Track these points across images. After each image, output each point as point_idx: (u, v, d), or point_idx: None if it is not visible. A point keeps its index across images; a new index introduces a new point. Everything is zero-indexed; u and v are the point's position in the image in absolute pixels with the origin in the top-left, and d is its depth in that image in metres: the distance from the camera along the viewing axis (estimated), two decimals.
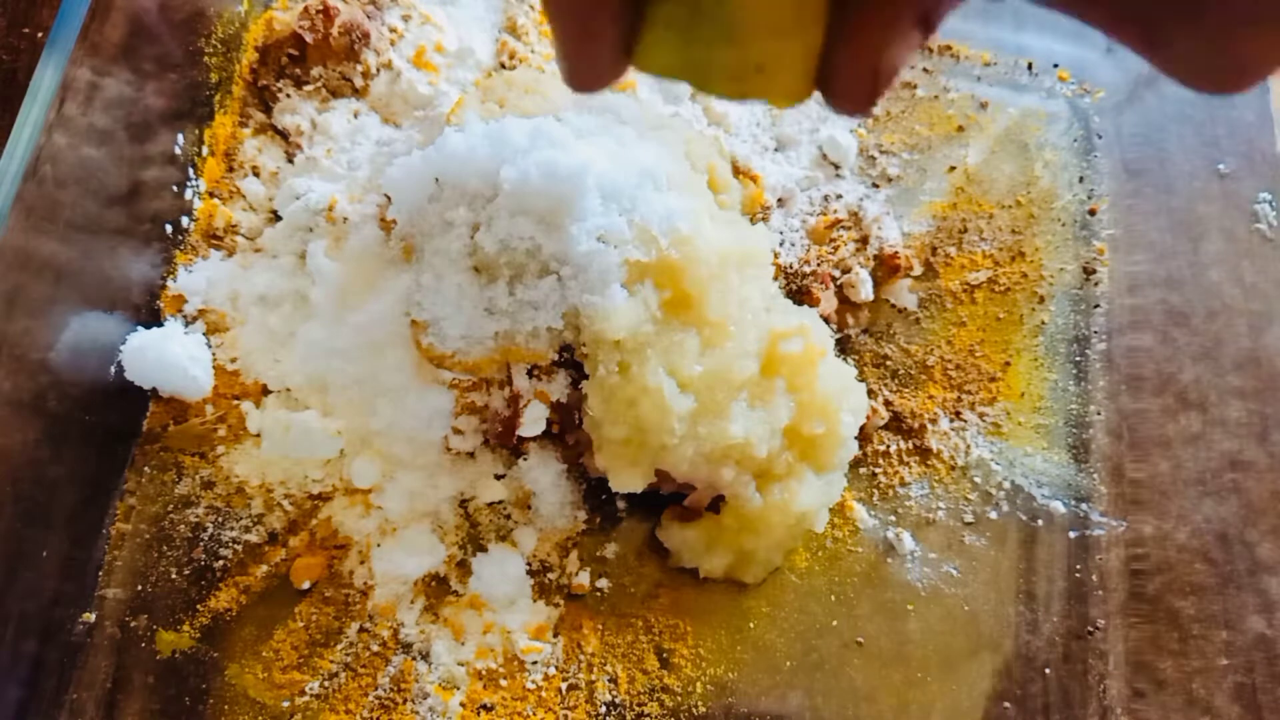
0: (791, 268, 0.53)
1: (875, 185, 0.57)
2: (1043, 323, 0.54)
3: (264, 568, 0.49)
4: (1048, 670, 0.48)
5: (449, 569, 0.49)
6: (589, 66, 0.22)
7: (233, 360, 0.52)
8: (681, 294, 0.44)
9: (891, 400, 0.52)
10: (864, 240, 0.55)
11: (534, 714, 0.47)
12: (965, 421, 0.52)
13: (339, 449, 0.50)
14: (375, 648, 0.48)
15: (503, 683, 0.47)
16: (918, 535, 0.50)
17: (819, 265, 0.53)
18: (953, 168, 0.57)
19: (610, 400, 0.44)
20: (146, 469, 0.51)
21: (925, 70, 0.59)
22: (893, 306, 0.54)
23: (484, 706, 0.47)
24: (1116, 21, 0.21)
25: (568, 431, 0.49)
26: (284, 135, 0.56)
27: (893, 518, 0.50)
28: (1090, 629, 0.48)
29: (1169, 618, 0.48)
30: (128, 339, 0.50)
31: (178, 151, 0.53)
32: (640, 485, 0.46)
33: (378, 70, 0.56)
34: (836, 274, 0.54)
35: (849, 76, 0.22)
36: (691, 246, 0.44)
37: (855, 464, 0.51)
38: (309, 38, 0.55)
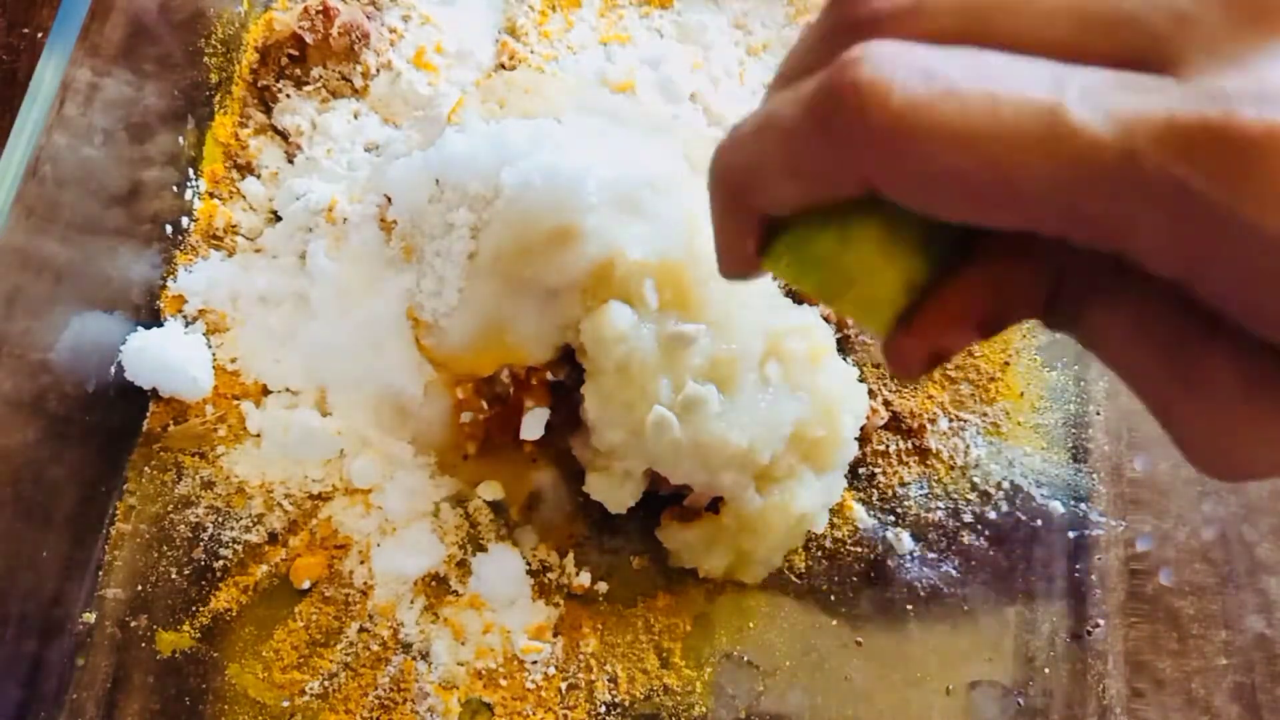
0: None
1: None
2: None
3: (264, 568, 0.49)
4: (1047, 670, 0.48)
5: (449, 569, 0.49)
6: (732, 265, 0.25)
7: (233, 360, 0.52)
8: (682, 295, 0.44)
9: (891, 400, 0.52)
10: None
11: (534, 714, 0.47)
12: (964, 421, 0.52)
13: (339, 449, 0.50)
14: (375, 647, 0.48)
15: (503, 682, 0.47)
16: (917, 535, 0.50)
17: None
18: None
19: (608, 403, 0.44)
20: (146, 469, 0.51)
21: None
22: None
23: (484, 706, 0.47)
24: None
25: (568, 432, 0.49)
26: (284, 135, 0.56)
27: (892, 518, 0.50)
28: (1089, 628, 0.48)
29: (1168, 617, 0.48)
30: (128, 339, 0.50)
31: (180, 145, 0.53)
32: (630, 501, 0.47)
33: (378, 70, 0.56)
34: None
35: (902, 356, 0.23)
36: (692, 247, 0.44)
37: (854, 464, 0.51)
38: (309, 38, 0.55)
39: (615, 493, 0.46)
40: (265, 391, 0.52)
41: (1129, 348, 0.20)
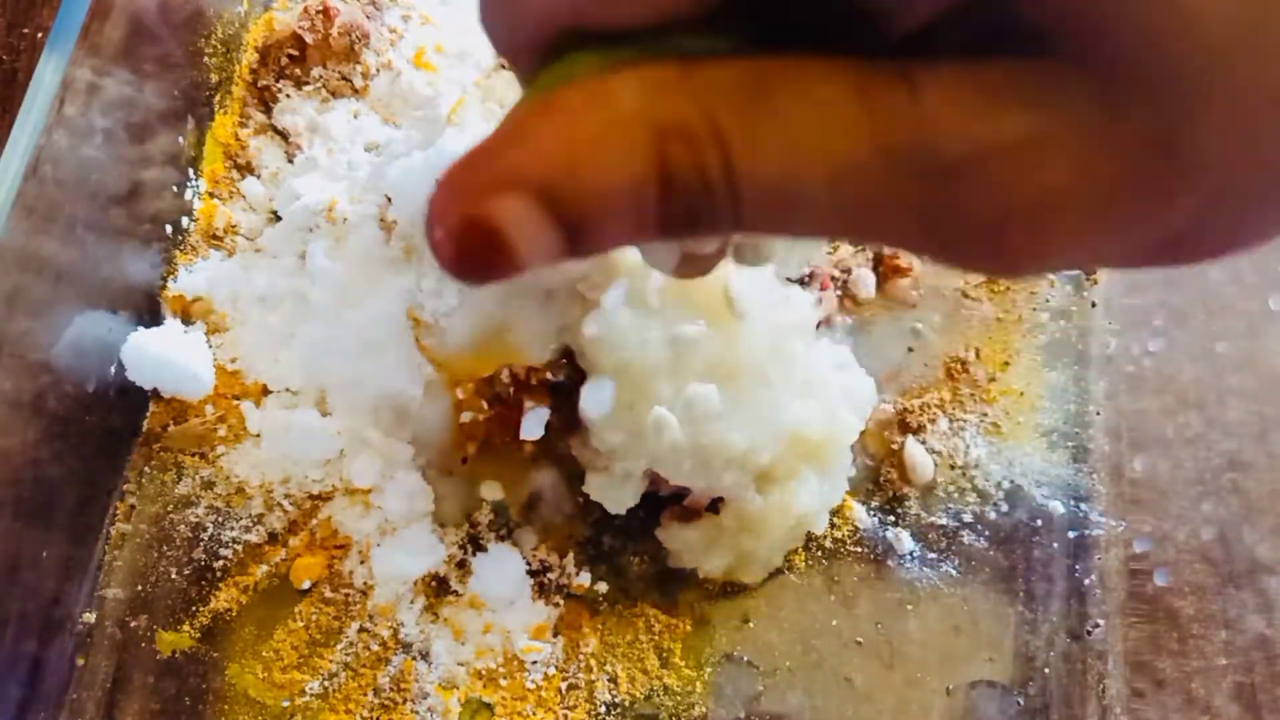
0: None
1: None
2: (1042, 322, 0.54)
3: (264, 568, 0.49)
4: (1047, 670, 0.48)
5: (449, 569, 0.49)
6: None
7: (233, 360, 0.52)
8: (683, 294, 0.44)
9: (892, 400, 0.52)
10: None
11: (534, 714, 0.47)
12: (964, 421, 0.52)
13: (339, 449, 0.50)
14: (375, 647, 0.48)
15: (503, 682, 0.47)
16: (917, 535, 0.50)
17: (818, 265, 0.53)
18: None
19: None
20: (146, 469, 0.51)
21: None
22: (893, 306, 0.54)
23: (484, 706, 0.47)
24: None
25: (568, 433, 0.49)
26: (284, 135, 0.56)
27: (892, 518, 0.50)
28: (1089, 628, 0.48)
29: (1168, 617, 0.48)
30: (128, 339, 0.50)
31: (180, 145, 0.53)
32: (630, 502, 0.47)
33: (378, 70, 0.56)
34: (836, 273, 0.54)
35: (438, 208, 0.17)
36: None
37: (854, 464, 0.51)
38: (309, 38, 0.55)
39: (615, 493, 0.46)
40: (265, 391, 0.52)
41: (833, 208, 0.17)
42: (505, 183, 0.16)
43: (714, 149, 0.16)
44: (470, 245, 0.17)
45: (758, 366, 0.45)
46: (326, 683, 0.47)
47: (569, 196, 0.16)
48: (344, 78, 0.56)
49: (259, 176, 0.55)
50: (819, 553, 0.50)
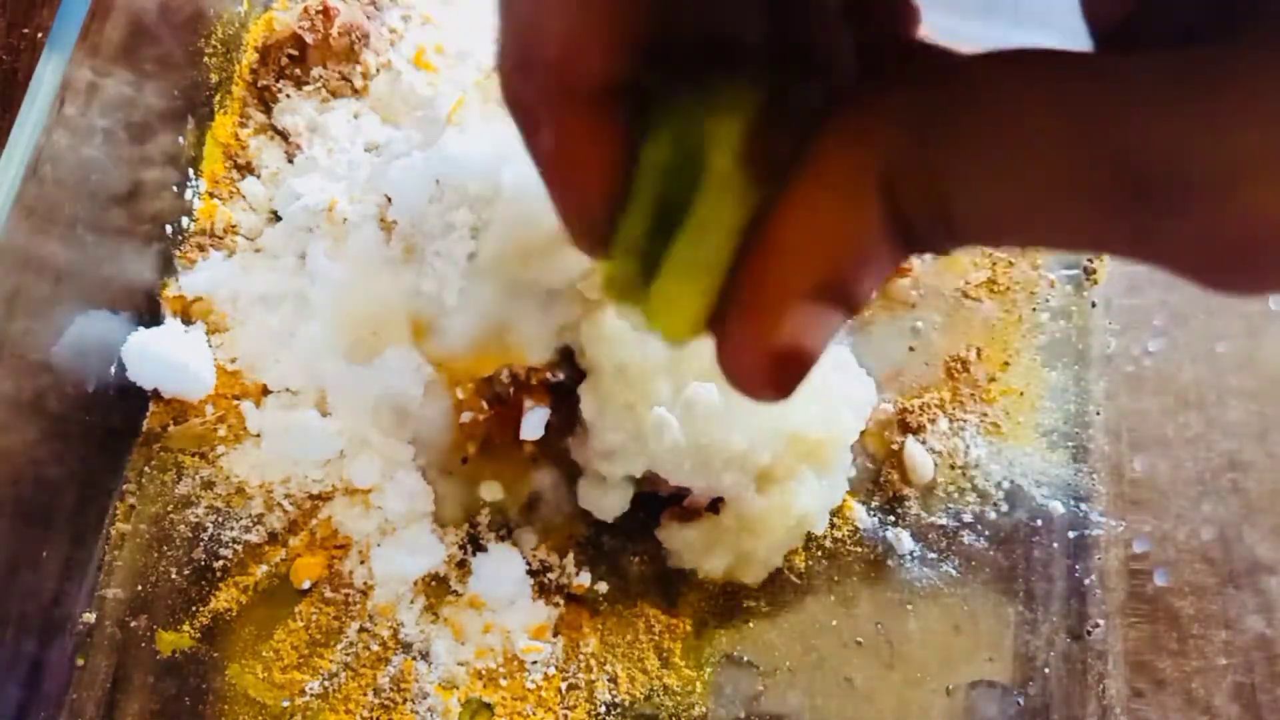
0: None
1: None
2: (1042, 322, 0.54)
3: (264, 568, 0.49)
4: (1047, 670, 0.48)
5: (449, 569, 0.49)
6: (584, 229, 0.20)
7: (233, 360, 0.52)
8: None
9: (892, 400, 0.52)
10: None
11: (534, 714, 0.47)
12: (964, 421, 0.52)
13: (339, 449, 0.50)
14: (375, 647, 0.48)
15: (503, 682, 0.47)
16: (917, 535, 0.50)
17: None
18: None
19: (607, 404, 0.44)
20: (146, 469, 0.51)
21: None
22: (893, 306, 0.54)
23: (484, 706, 0.47)
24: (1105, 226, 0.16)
25: (568, 433, 0.49)
26: (284, 135, 0.56)
27: (892, 518, 0.50)
28: (1089, 628, 0.48)
29: (1168, 617, 0.48)
30: (128, 339, 0.50)
31: (180, 145, 0.53)
32: (619, 510, 0.47)
33: (378, 70, 0.56)
34: None
35: (738, 355, 0.18)
36: None
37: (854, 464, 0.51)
38: (309, 38, 0.55)
39: (605, 501, 0.47)
40: (265, 391, 0.52)
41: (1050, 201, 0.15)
42: (782, 299, 0.17)
43: (922, 174, 0.16)
44: (785, 372, 0.18)
45: None
46: (326, 683, 0.47)
47: (832, 272, 0.17)
48: (344, 78, 0.56)
49: (259, 176, 0.55)
50: (819, 553, 0.50)
